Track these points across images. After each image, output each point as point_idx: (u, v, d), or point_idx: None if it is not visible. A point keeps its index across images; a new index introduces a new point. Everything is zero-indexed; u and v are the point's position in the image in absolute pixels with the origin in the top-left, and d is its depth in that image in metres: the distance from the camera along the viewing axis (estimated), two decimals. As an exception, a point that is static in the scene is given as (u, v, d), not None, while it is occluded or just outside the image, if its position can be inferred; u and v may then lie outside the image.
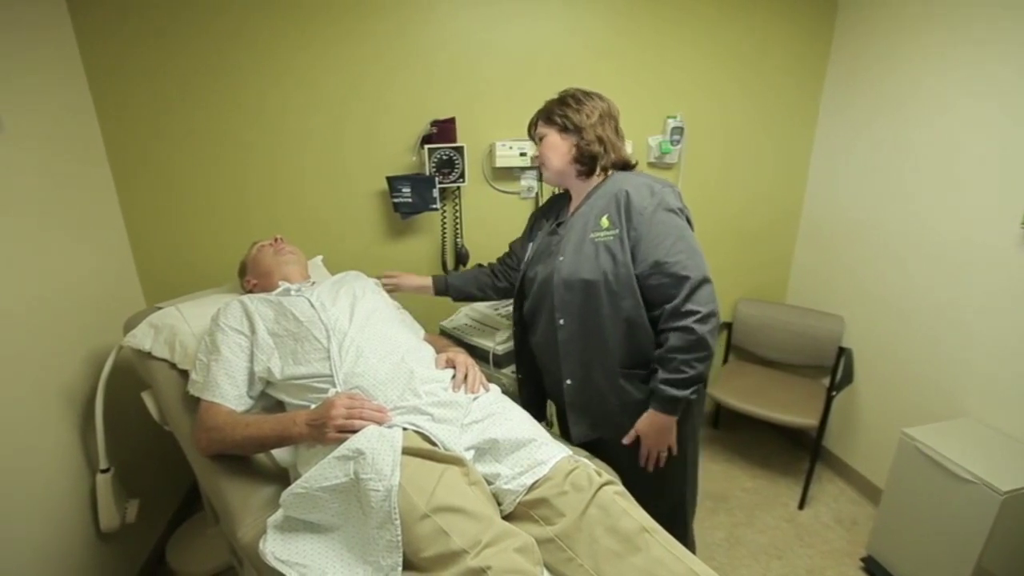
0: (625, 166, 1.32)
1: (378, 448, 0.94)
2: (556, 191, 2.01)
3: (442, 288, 1.62)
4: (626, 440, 1.26)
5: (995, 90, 1.59)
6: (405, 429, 1.02)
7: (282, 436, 1.06)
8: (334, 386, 1.10)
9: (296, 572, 0.89)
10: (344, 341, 1.16)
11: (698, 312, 1.12)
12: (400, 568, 0.86)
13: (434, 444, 1.02)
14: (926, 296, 1.85)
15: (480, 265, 1.68)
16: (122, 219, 1.74)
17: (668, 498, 1.34)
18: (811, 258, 2.38)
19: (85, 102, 1.60)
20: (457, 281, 1.62)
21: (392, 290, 1.58)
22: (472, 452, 1.06)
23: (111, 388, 1.45)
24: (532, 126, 1.35)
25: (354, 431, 0.98)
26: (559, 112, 1.28)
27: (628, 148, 2.05)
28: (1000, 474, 1.41)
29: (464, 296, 1.63)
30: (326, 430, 1.00)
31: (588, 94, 1.29)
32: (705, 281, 1.14)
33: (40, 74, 1.40)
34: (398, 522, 0.87)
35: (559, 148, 1.28)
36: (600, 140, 1.26)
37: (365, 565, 0.89)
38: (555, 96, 1.33)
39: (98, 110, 1.63)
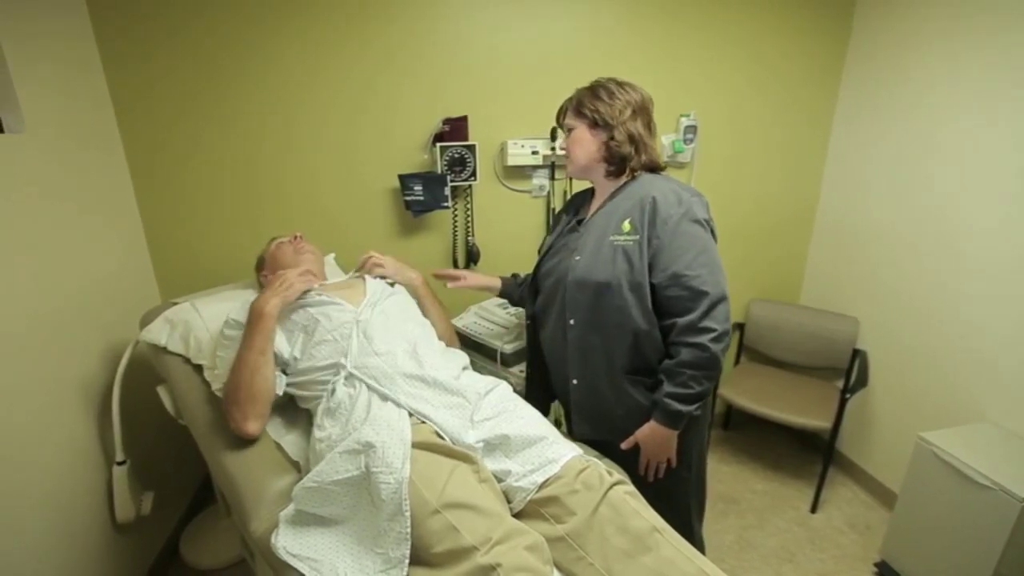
0: (654, 168, 1.27)
1: (388, 441, 0.95)
2: (566, 190, 2.04)
3: (509, 290, 1.57)
4: (624, 445, 1.25)
5: (1017, 91, 1.56)
6: (412, 417, 1.04)
7: (256, 327, 1.14)
8: (344, 368, 1.14)
9: (307, 567, 0.89)
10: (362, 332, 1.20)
11: (714, 330, 1.10)
12: (407, 560, 0.87)
13: (442, 438, 1.03)
14: (943, 298, 1.82)
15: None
16: (139, 216, 1.77)
17: (672, 506, 1.32)
18: (826, 259, 2.35)
19: (103, 99, 1.62)
20: (524, 289, 1.55)
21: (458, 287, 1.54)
22: (482, 444, 1.06)
23: (127, 382, 1.47)
24: (561, 114, 1.30)
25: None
26: (590, 105, 1.22)
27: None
28: (1019, 480, 1.38)
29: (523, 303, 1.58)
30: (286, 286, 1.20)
31: (622, 85, 1.23)
32: (723, 299, 1.12)
33: (59, 70, 1.42)
34: (408, 514, 0.88)
35: (587, 144, 1.24)
36: (631, 139, 1.21)
37: (375, 557, 0.90)
38: (587, 85, 1.27)
39: (116, 109, 1.65)
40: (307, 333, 1.21)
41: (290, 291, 1.21)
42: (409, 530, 0.87)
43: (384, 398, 1.08)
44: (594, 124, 1.23)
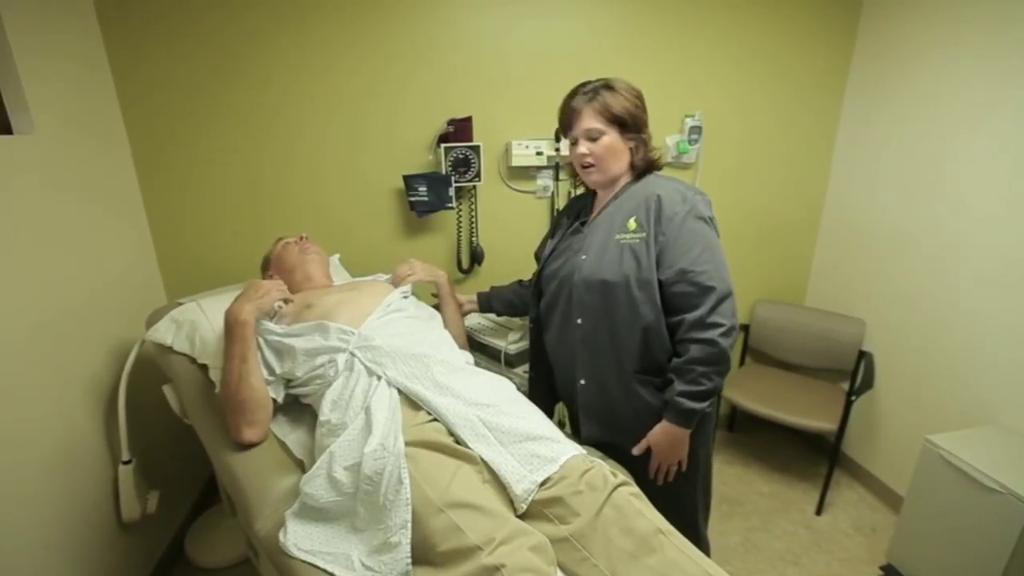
0: (652, 166, 1.28)
1: (384, 421, 0.99)
2: (571, 191, 2.03)
3: (485, 304, 1.61)
4: (636, 451, 1.25)
5: (1026, 88, 1.55)
6: (421, 411, 1.05)
7: (233, 336, 1.12)
8: (346, 351, 1.14)
9: (321, 560, 0.91)
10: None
11: (723, 325, 1.11)
12: (410, 524, 0.88)
13: (426, 412, 1.05)
14: (951, 300, 1.81)
15: (520, 282, 1.63)
16: (145, 216, 1.78)
17: (679, 507, 1.31)
18: (831, 260, 2.34)
19: (111, 100, 1.63)
20: (506, 294, 1.60)
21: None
22: (479, 422, 1.04)
23: (134, 381, 1.48)
24: (575, 115, 1.20)
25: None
26: (617, 107, 1.16)
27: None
28: (1028, 484, 1.37)
29: (509, 309, 1.62)
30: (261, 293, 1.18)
31: (630, 86, 1.21)
32: (730, 294, 1.13)
33: (67, 71, 1.43)
34: (407, 483, 0.90)
35: (619, 153, 1.21)
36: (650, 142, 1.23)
37: (377, 531, 0.92)
38: (599, 83, 1.19)
39: (123, 110, 1.67)
40: (299, 351, 1.18)
41: (265, 299, 1.20)
42: (410, 495, 0.89)
43: (380, 379, 1.09)
44: (624, 128, 1.20)
